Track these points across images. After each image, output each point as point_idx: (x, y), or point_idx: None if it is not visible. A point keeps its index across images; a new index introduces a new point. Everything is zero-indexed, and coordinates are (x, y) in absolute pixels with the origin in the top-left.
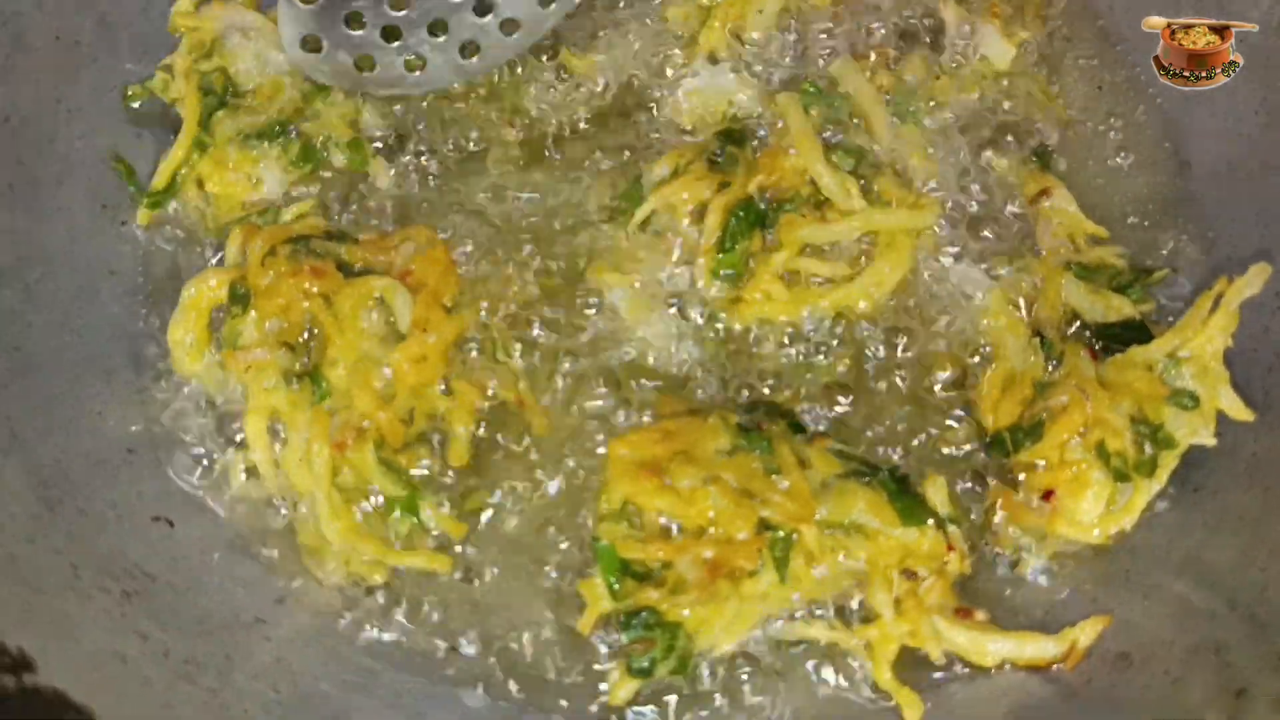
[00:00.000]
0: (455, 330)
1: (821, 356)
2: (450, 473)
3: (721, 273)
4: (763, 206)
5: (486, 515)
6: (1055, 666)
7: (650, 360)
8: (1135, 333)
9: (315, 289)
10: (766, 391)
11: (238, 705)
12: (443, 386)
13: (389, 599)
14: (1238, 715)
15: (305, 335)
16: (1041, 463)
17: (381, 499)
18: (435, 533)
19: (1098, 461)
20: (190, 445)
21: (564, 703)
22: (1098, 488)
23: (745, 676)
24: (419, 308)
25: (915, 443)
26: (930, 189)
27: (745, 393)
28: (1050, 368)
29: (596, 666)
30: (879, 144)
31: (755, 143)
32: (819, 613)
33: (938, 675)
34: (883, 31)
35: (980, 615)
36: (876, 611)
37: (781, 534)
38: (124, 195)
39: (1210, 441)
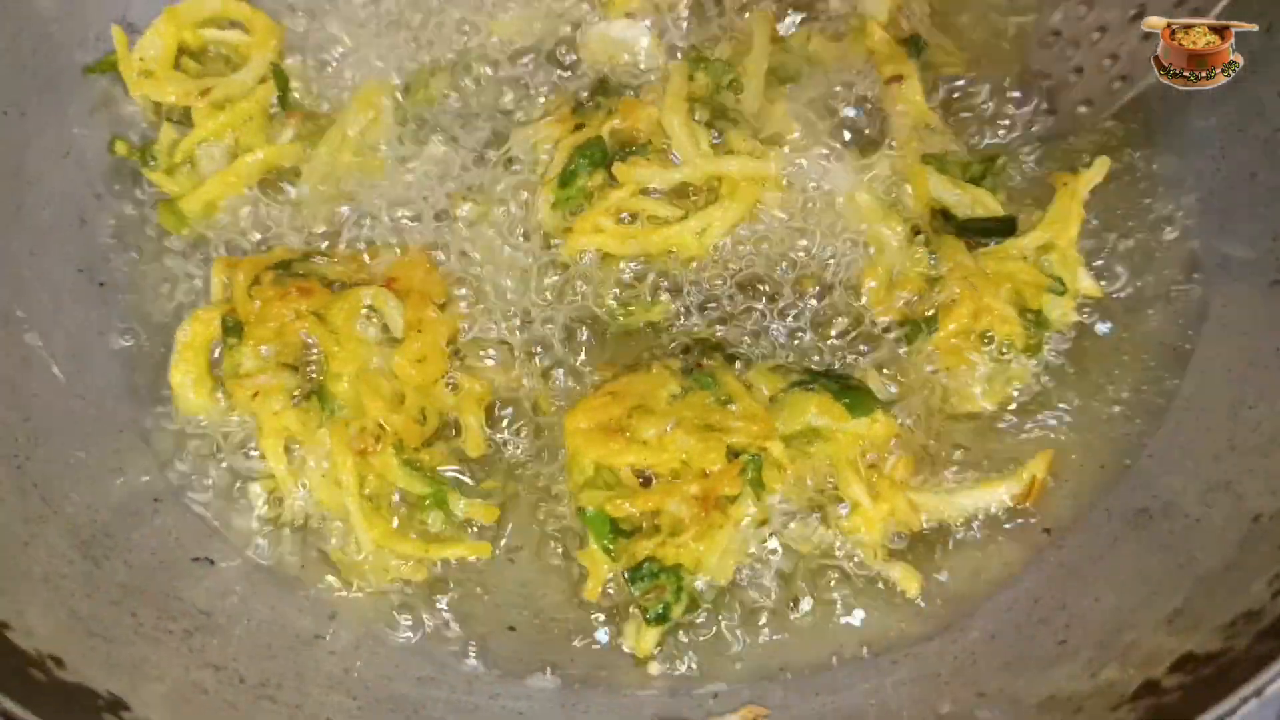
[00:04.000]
0: (449, 328)
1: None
2: (471, 466)
3: (557, 205)
4: (611, 149)
5: (513, 499)
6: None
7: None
8: (1001, 225)
9: (306, 308)
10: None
11: (321, 715)
12: (450, 384)
13: (436, 595)
14: (1252, 541)
15: (305, 354)
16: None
17: (410, 504)
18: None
19: (984, 347)
20: (211, 483)
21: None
22: (991, 369)
23: (747, 599)
24: (409, 310)
25: (833, 344)
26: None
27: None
28: (931, 262)
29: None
30: (748, 107)
31: (627, 95)
32: (804, 521)
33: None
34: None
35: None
36: (855, 502)
37: (749, 456)
38: (97, 257)
39: (1074, 318)
